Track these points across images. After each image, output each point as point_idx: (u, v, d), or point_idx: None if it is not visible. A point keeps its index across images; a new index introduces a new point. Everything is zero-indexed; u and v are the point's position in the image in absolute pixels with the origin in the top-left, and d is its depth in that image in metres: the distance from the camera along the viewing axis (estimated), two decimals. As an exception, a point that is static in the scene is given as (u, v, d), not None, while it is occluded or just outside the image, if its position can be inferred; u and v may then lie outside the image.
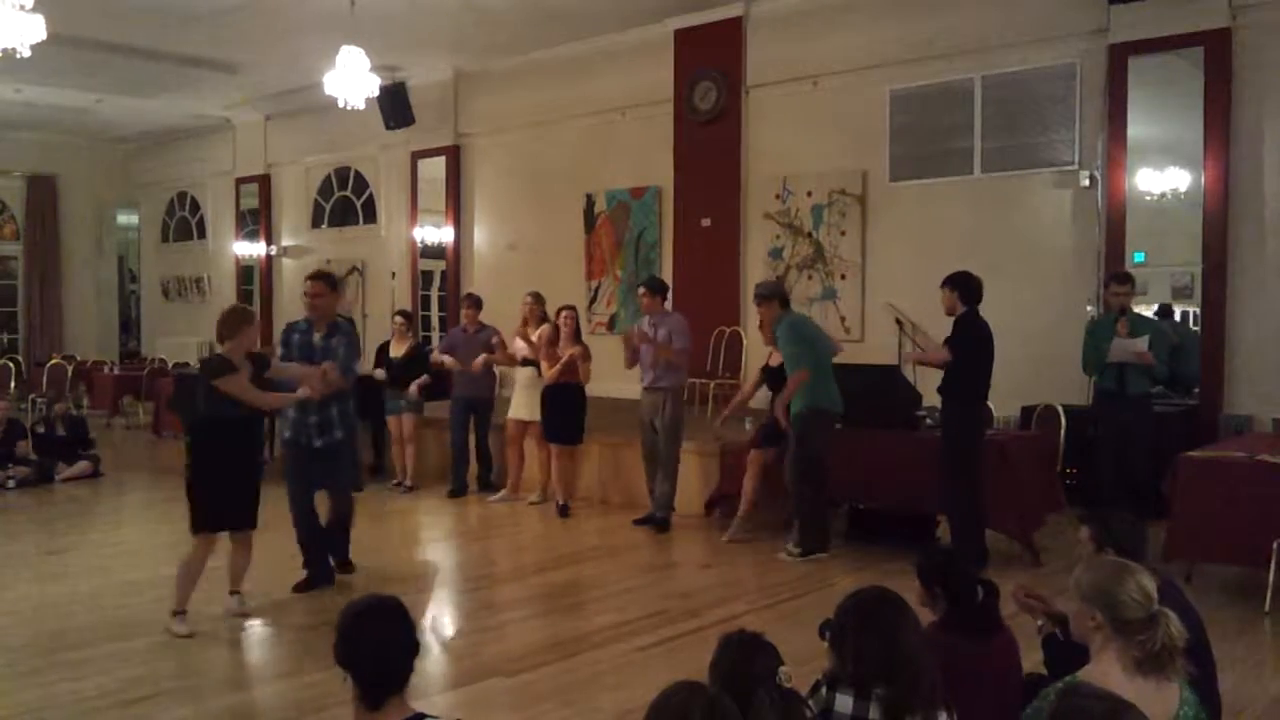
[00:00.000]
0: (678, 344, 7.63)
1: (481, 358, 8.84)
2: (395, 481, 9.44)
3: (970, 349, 6.38)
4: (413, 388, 9.20)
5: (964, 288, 6.49)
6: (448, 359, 8.97)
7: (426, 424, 9.59)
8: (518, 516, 8.40)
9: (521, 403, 8.62)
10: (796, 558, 6.71)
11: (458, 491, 9.02)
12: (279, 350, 6.15)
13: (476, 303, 9.21)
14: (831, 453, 6.80)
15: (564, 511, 8.21)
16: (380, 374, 9.27)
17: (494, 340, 8.89)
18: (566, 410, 8.22)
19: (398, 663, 2.42)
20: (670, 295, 8.34)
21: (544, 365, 8.23)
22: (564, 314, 8.26)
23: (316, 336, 6.03)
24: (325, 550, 6.19)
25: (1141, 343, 6.79)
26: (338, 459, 6.17)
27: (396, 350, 9.42)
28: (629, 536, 7.60)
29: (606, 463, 8.73)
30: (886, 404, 7.19)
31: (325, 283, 6.17)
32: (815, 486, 6.75)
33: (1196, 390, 8.34)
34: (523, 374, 8.62)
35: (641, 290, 7.90)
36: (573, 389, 8.20)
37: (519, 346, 8.60)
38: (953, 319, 6.51)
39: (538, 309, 8.67)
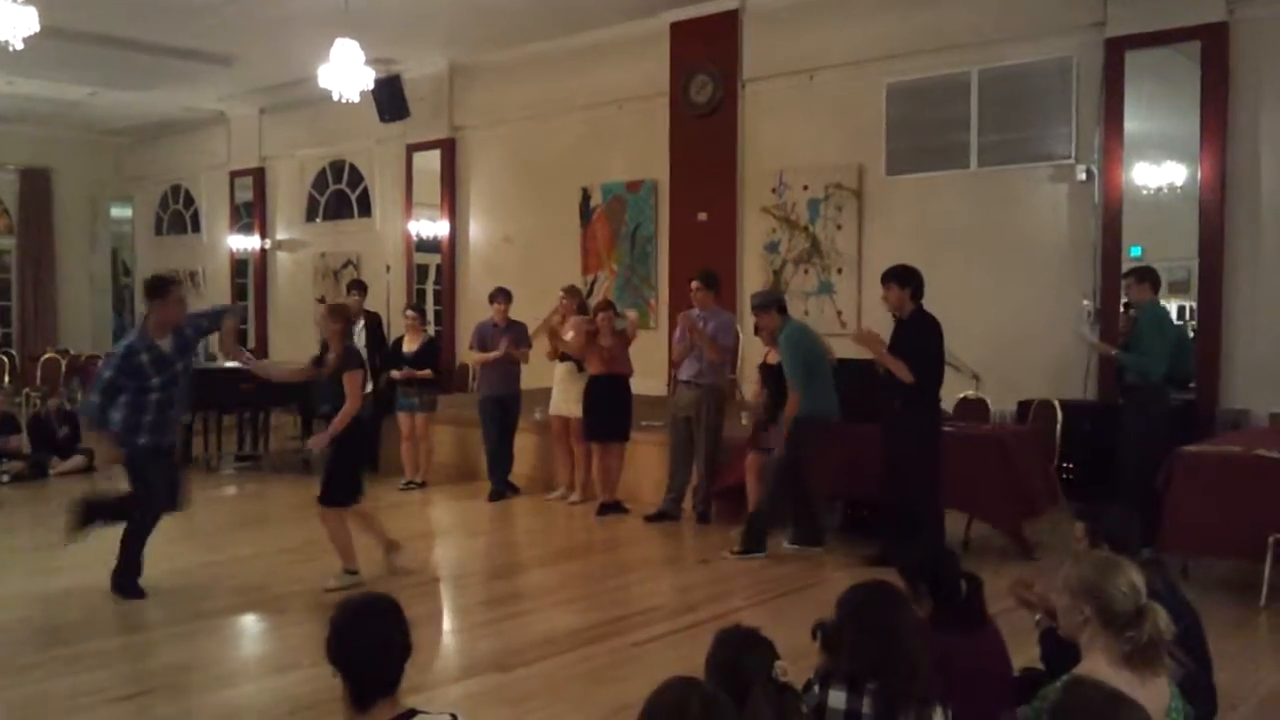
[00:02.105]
0: (721, 342, 7.63)
1: (502, 347, 8.61)
2: (406, 481, 9.25)
3: (933, 352, 6.33)
4: (404, 375, 9.08)
5: (915, 283, 6.31)
6: (479, 355, 8.81)
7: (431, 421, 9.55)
8: (520, 513, 8.39)
9: (562, 398, 8.43)
10: (735, 556, 6.64)
11: (500, 494, 8.71)
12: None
13: (507, 296, 8.93)
14: (822, 456, 6.77)
15: (614, 508, 8.00)
16: (397, 374, 9.15)
17: (528, 334, 8.73)
18: (612, 406, 8.05)
19: (388, 665, 2.38)
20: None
21: (586, 360, 8.10)
22: (604, 314, 8.15)
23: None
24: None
25: (1086, 330, 7.19)
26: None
27: (410, 345, 9.28)
28: (627, 531, 7.60)
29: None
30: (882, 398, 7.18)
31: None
32: (784, 491, 6.71)
33: (1193, 385, 8.35)
34: (561, 368, 8.43)
35: (696, 285, 7.72)
36: (618, 382, 8.07)
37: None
38: (900, 317, 6.37)
39: (573, 304, 8.54)
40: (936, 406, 6.47)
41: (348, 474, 5.99)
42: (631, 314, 8.62)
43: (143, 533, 5.76)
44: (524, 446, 9.05)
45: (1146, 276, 6.91)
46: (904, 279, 6.30)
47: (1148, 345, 6.78)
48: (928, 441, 6.32)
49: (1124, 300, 7.25)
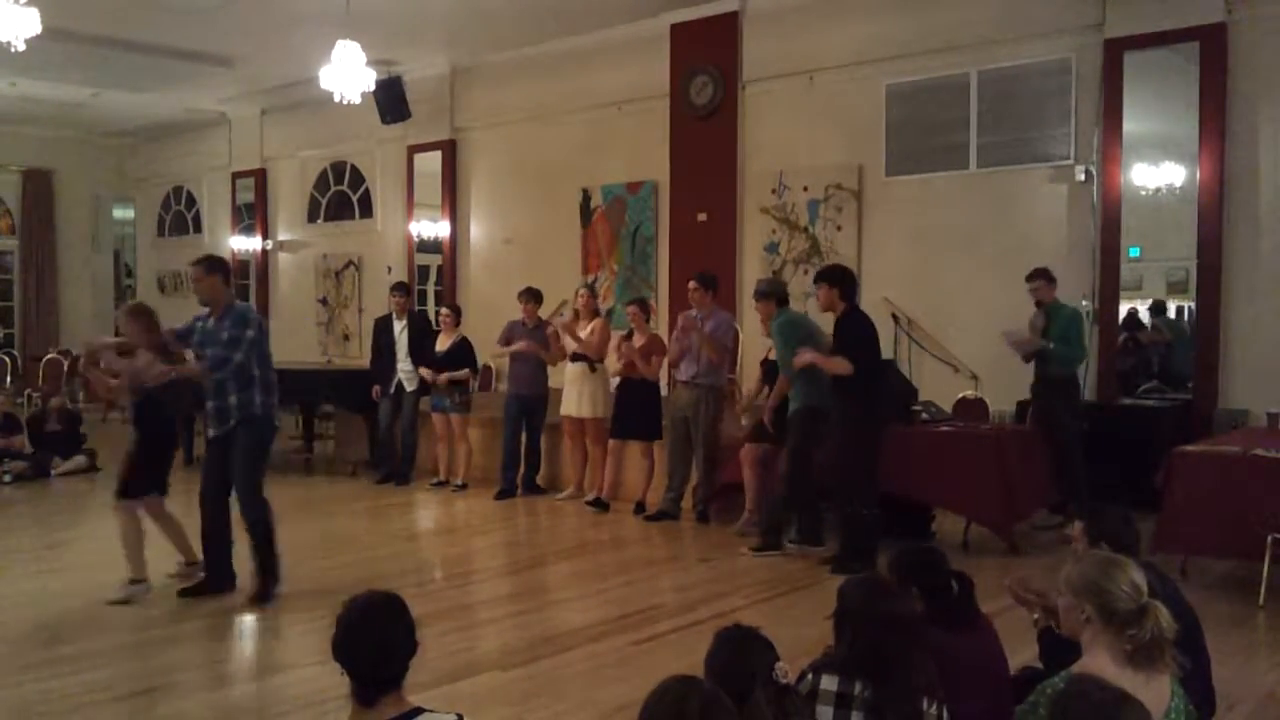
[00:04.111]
0: (719, 342, 7.64)
1: (519, 344, 8.61)
2: (436, 480, 9.31)
3: (867, 349, 6.45)
4: (442, 378, 9.04)
5: (844, 284, 6.50)
6: (500, 349, 8.81)
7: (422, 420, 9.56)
8: (522, 512, 8.40)
9: (573, 398, 8.41)
10: (754, 554, 6.71)
11: (507, 493, 8.72)
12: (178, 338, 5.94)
13: (536, 296, 8.92)
14: (823, 449, 6.78)
15: (640, 510, 8.01)
16: (429, 374, 9.14)
17: (549, 334, 8.74)
18: (646, 407, 8.06)
19: (394, 662, 2.40)
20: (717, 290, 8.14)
21: (613, 360, 8.13)
22: (630, 309, 8.23)
23: (211, 322, 5.77)
24: (223, 553, 5.78)
25: (1021, 331, 7.57)
26: (233, 450, 5.69)
27: (442, 345, 9.26)
28: (627, 531, 7.62)
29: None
30: (889, 400, 7.18)
31: (201, 266, 5.80)
32: (796, 486, 6.74)
33: (1190, 385, 8.37)
34: (572, 369, 8.41)
35: (694, 285, 7.76)
36: (649, 385, 8.07)
37: (569, 342, 8.42)
38: (835, 318, 6.52)
39: (592, 302, 8.55)
40: (876, 401, 6.52)
41: (152, 465, 5.78)
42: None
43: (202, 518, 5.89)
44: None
45: (1054, 278, 7.69)
46: (833, 279, 6.53)
47: (1074, 337, 7.51)
48: (868, 435, 6.40)
49: (1036, 300, 7.70)
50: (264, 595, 5.65)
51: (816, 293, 6.64)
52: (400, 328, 9.52)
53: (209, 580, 5.78)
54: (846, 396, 6.38)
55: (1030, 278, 7.69)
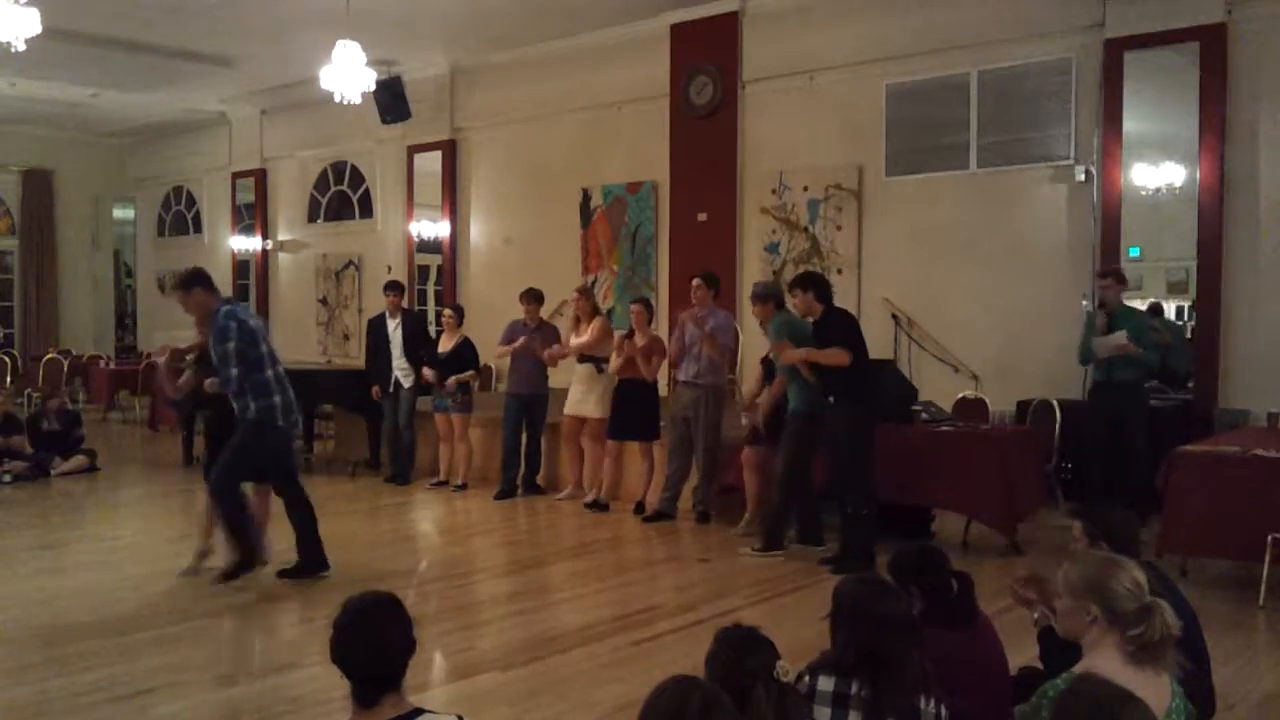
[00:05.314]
0: (721, 342, 7.64)
1: (553, 349, 8.62)
2: (436, 480, 9.31)
3: (857, 344, 6.46)
4: (450, 382, 9.01)
5: (820, 287, 6.56)
6: (503, 348, 8.83)
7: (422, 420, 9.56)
8: (522, 512, 8.40)
9: (580, 398, 8.39)
10: (756, 554, 6.71)
11: (506, 493, 8.72)
12: None
13: (537, 297, 8.92)
14: (820, 452, 6.78)
15: (640, 510, 8.00)
16: (429, 373, 9.14)
17: (559, 336, 8.74)
18: (644, 407, 8.05)
19: (392, 662, 2.40)
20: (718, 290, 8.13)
21: (613, 359, 8.13)
22: (634, 308, 8.23)
23: None
24: (246, 534, 5.88)
25: (1120, 336, 7.18)
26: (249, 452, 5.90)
27: (445, 345, 9.25)
28: (627, 531, 7.61)
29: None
30: (882, 398, 7.20)
31: (180, 289, 5.93)
32: (790, 488, 6.74)
33: (1191, 385, 8.37)
34: (581, 370, 8.39)
35: (697, 282, 7.77)
36: (647, 385, 8.06)
37: (573, 343, 8.42)
38: (814, 321, 6.57)
39: (588, 305, 8.55)
40: (869, 399, 6.51)
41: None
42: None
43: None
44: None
45: (1123, 279, 7.45)
46: (807, 284, 6.59)
47: (1149, 341, 7.22)
48: (862, 435, 6.39)
49: (1098, 300, 7.51)
50: (227, 574, 5.81)
51: (793, 301, 6.66)
52: (394, 326, 9.53)
53: (242, 563, 5.83)
54: (840, 396, 6.39)
55: (1102, 275, 7.51)
